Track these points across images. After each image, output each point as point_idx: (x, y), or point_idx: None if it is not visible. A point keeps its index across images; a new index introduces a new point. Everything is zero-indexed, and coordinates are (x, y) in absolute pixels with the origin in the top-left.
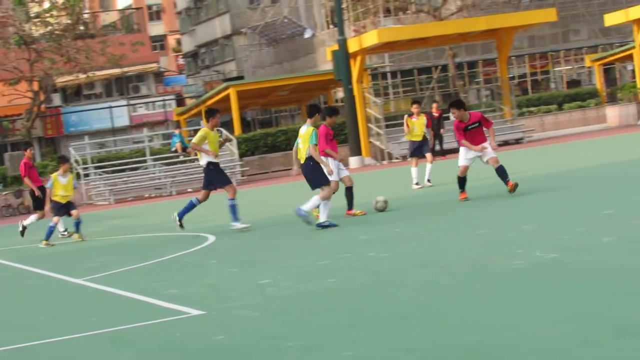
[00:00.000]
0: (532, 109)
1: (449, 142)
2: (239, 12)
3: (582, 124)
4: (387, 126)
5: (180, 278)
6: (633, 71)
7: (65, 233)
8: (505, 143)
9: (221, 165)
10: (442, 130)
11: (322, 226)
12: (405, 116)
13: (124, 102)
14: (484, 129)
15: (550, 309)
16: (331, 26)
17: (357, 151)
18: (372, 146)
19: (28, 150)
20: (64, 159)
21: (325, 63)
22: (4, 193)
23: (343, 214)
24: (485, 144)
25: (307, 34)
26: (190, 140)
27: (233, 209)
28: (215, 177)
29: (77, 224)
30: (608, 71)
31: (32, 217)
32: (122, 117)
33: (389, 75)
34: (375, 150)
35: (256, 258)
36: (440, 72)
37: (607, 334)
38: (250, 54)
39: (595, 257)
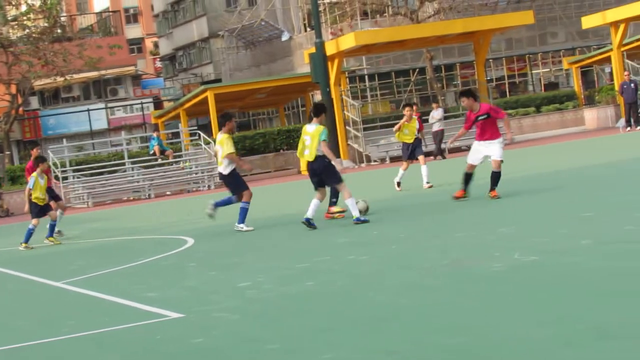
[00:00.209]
0: (510, 111)
1: (428, 144)
2: (216, 15)
3: (560, 127)
4: (365, 129)
5: (159, 281)
6: (611, 74)
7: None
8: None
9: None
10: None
11: (359, 221)
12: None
13: (102, 105)
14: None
15: (531, 311)
16: (308, 29)
17: (335, 154)
18: (350, 149)
19: (35, 150)
20: (41, 159)
21: (302, 66)
22: None
23: (322, 217)
24: (490, 143)
25: (285, 37)
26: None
27: (244, 211)
28: (241, 181)
29: (52, 227)
30: (586, 74)
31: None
32: (100, 120)
33: (366, 78)
34: (354, 152)
35: (235, 261)
36: (418, 74)
37: (588, 336)
38: (227, 56)
39: (575, 259)
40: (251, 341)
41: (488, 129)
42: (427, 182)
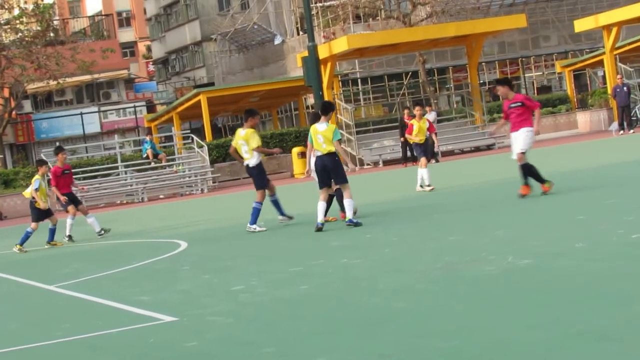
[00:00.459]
0: (502, 114)
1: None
2: (208, 18)
3: (553, 130)
4: (358, 132)
5: (153, 284)
6: (603, 77)
7: (102, 232)
8: (477, 149)
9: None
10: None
11: (352, 222)
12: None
13: (94, 109)
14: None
15: (524, 314)
16: (301, 32)
17: None
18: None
19: (60, 155)
20: (42, 162)
21: (295, 69)
22: None
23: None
24: (519, 133)
25: (277, 41)
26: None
27: (256, 212)
28: (265, 176)
29: (53, 232)
30: (578, 77)
31: (70, 221)
32: (93, 124)
33: (359, 81)
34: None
35: (229, 264)
36: (411, 78)
37: (581, 339)
38: (220, 60)
39: (568, 262)
40: (245, 345)
41: (518, 119)
42: (421, 186)
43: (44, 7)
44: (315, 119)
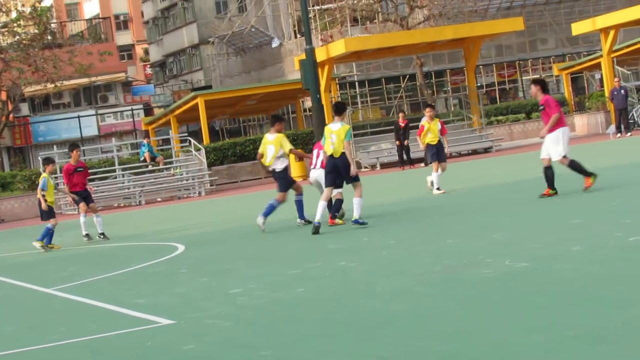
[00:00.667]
0: (500, 118)
1: (415, 151)
2: (206, 21)
3: None
4: (356, 135)
5: (150, 287)
6: (601, 80)
7: (103, 235)
8: (474, 152)
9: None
10: (406, 142)
11: (357, 223)
12: (423, 119)
13: (92, 112)
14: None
15: (522, 317)
16: (298, 35)
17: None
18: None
19: (75, 152)
20: (49, 160)
21: (293, 72)
22: None
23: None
24: (548, 137)
25: (275, 44)
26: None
27: (271, 208)
28: (290, 179)
29: (51, 234)
30: (576, 80)
31: (83, 219)
32: (90, 127)
33: (357, 84)
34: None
35: (226, 267)
36: (408, 81)
37: (578, 342)
38: (217, 63)
39: (566, 265)
40: (243, 348)
41: (545, 121)
42: (437, 189)
43: (41, 10)
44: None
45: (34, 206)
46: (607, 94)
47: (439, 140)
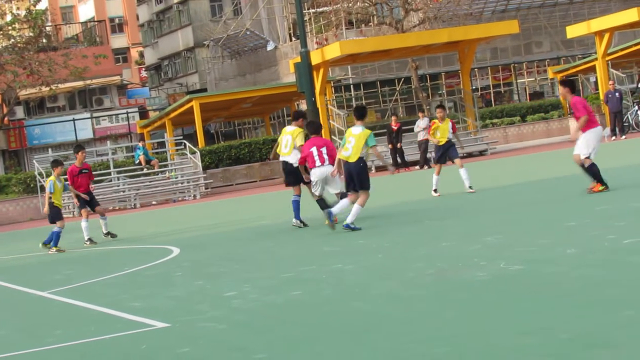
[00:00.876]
0: (495, 120)
1: (410, 154)
2: (201, 24)
3: (546, 136)
4: None
5: (145, 290)
6: (596, 83)
7: (108, 234)
8: (469, 155)
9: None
10: (399, 145)
11: (349, 227)
12: (434, 121)
13: (87, 115)
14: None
15: (516, 320)
16: (294, 38)
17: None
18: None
19: (80, 153)
20: (58, 163)
21: (288, 75)
22: None
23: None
24: (579, 135)
25: (270, 47)
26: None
27: (296, 204)
28: (299, 174)
29: (55, 235)
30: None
31: (84, 224)
32: (85, 130)
33: (352, 87)
34: (339, 162)
35: (221, 270)
36: (403, 84)
37: (572, 345)
38: (213, 66)
39: (560, 268)
40: (237, 350)
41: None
42: (470, 187)
43: (36, 14)
44: (311, 128)
45: (28, 209)
46: (602, 96)
47: (448, 141)
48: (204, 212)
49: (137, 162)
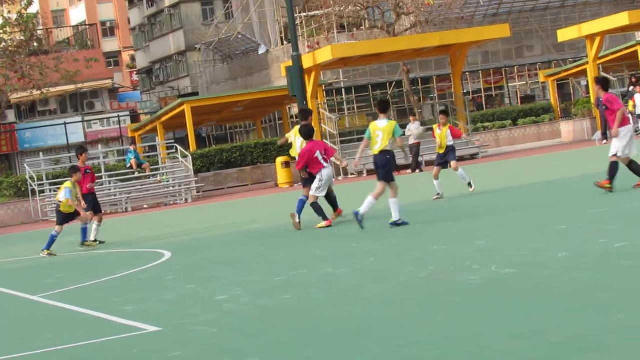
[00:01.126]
0: (486, 124)
1: (401, 157)
2: (192, 28)
3: (537, 139)
4: (342, 142)
5: (136, 294)
6: (587, 86)
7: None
8: (461, 158)
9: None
10: None
11: (396, 224)
12: (434, 126)
13: (78, 119)
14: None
15: (507, 323)
16: (285, 42)
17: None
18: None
19: (83, 155)
20: (76, 169)
21: (279, 79)
22: None
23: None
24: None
25: (262, 50)
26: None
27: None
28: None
29: (85, 231)
30: (562, 86)
31: (94, 226)
32: (77, 134)
33: (343, 91)
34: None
35: (213, 274)
36: (395, 88)
37: (564, 348)
38: (204, 70)
39: (551, 272)
40: (229, 354)
41: (610, 119)
42: (470, 184)
43: (27, 17)
44: (305, 132)
45: (20, 213)
46: (593, 100)
47: (449, 147)
48: (195, 216)
49: (128, 165)
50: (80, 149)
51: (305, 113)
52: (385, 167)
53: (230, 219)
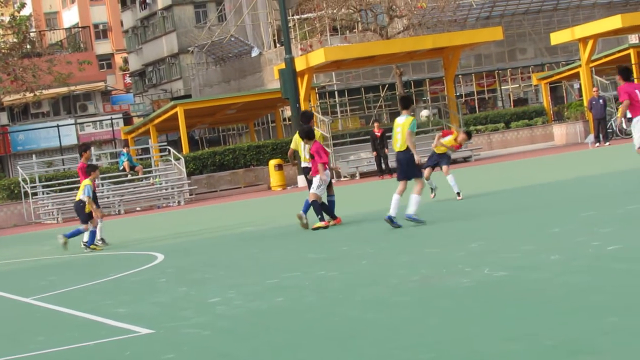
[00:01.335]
0: (479, 127)
1: (393, 161)
2: (185, 30)
3: (530, 142)
4: (335, 145)
5: (129, 297)
6: (580, 89)
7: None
8: (453, 161)
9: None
10: (386, 150)
11: (410, 218)
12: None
13: (71, 121)
14: None
15: (500, 326)
16: (278, 45)
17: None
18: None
19: (88, 152)
20: (94, 167)
21: (272, 82)
22: None
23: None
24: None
25: (254, 53)
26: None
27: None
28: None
29: (93, 234)
30: (555, 89)
31: (99, 225)
32: (69, 136)
33: (336, 93)
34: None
35: (206, 276)
36: (388, 90)
37: (557, 352)
38: (197, 72)
39: (544, 275)
40: (222, 357)
41: (632, 110)
42: (458, 194)
43: (20, 19)
44: (304, 134)
45: (12, 215)
46: (585, 103)
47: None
48: (188, 219)
49: (121, 168)
50: (84, 145)
51: (306, 117)
52: (408, 165)
53: (222, 222)
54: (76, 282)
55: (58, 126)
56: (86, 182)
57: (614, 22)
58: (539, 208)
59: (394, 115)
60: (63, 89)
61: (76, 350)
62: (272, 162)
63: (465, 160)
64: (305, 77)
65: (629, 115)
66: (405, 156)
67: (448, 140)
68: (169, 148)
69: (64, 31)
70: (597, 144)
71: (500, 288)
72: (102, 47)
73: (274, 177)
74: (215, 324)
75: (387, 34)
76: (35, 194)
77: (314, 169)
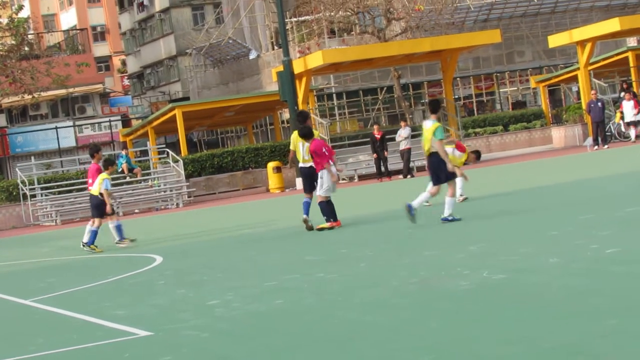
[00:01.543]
0: (477, 130)
1: (393, 162)
2: (183, 33)
3: (528, 145)
4: (333, 147)
5: (128, 299)
6: (578, 92)
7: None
8: None
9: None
10: (386, 153)
11: (447, 220)
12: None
13: (70, 123)
14: None
15: (499, 329)
16: (276, 47)
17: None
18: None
19: (100, 153)
20: (111, 162)
21: (270, 84)
22: None
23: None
24: None
25: (252, 55)
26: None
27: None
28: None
29: (95, 234)
30: (553, 92)
31: (112, 225)
32: (68, 138)
33: (334, 96)
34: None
35: (204, 279)
36: (386, 93)
37: (555, 354)
38: (195, 74)
39: (543, 278)
40: (220, 359)
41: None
42: (461, 195)
43: (18, 22)
44: (306, 131)
45: (11, 217)
46: (584, 106)
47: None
48: (186, 221)
49: (119, 170)
50: (95, 147)
51: (303, 116)
52: (437, 169)
53: (221, 224)
54: (75, 284)
55: (56, 128)
56: (104, 175)
57: (612, 25)
58: (537, 211)
59: (392, 117)
60: (61, 91)
61: (75, 352)
62: (271, 165)
63: (464, 163)
64: (304, 79)
65: (626, 119)
66: (433, 160)
67: (458, 157)
68: (168, 150)
69: (62, 33)
70: (596, 147)
71: (499, 291)
72: (100, 50)
73: (273, 180)
74: (213, 326)
75: (385, 37)
76: (33, 196)
77: (320, 163)
